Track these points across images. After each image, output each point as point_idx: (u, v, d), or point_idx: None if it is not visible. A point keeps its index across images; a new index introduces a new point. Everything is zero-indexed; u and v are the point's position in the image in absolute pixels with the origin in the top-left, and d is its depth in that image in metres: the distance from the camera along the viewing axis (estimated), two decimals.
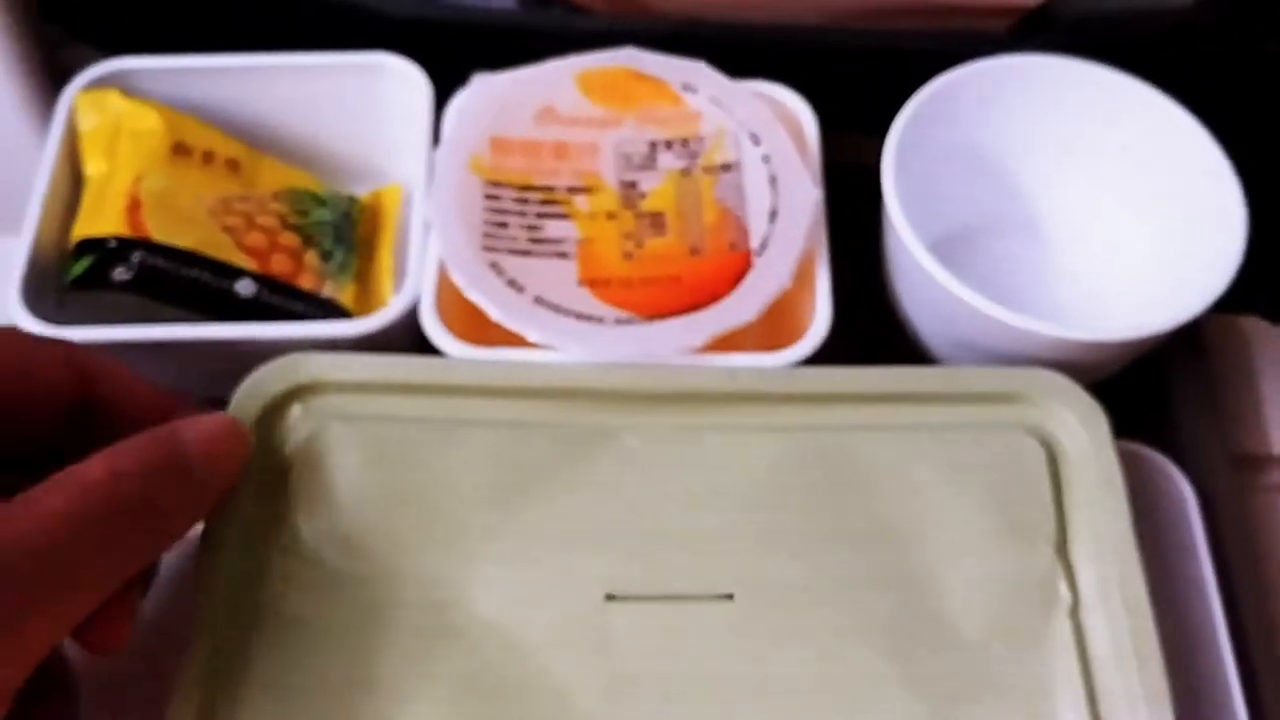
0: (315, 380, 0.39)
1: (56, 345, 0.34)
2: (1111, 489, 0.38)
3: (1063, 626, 0.36)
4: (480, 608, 0.36)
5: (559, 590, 0.36)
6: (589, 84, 0.46)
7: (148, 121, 0.46)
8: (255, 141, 0.49)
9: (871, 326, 0.46)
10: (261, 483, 0.37)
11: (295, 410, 0.39)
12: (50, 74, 0.52)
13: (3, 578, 0.28)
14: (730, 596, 0.36)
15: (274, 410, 0.38)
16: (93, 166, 0.46)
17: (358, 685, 0.35)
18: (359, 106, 0.49)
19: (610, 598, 0.36)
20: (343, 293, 0.46)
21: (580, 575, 0.37)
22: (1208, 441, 0.44)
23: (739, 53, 0.47)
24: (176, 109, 0.47)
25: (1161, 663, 0.35)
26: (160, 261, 0.43)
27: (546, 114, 0.46)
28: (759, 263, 0.42)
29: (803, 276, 0.43)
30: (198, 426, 0.34)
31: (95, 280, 0.43)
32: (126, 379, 0.35)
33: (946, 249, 0.42)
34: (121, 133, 0.46)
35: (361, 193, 0.50)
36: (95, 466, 0.31)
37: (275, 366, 0.39)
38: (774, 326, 0.43)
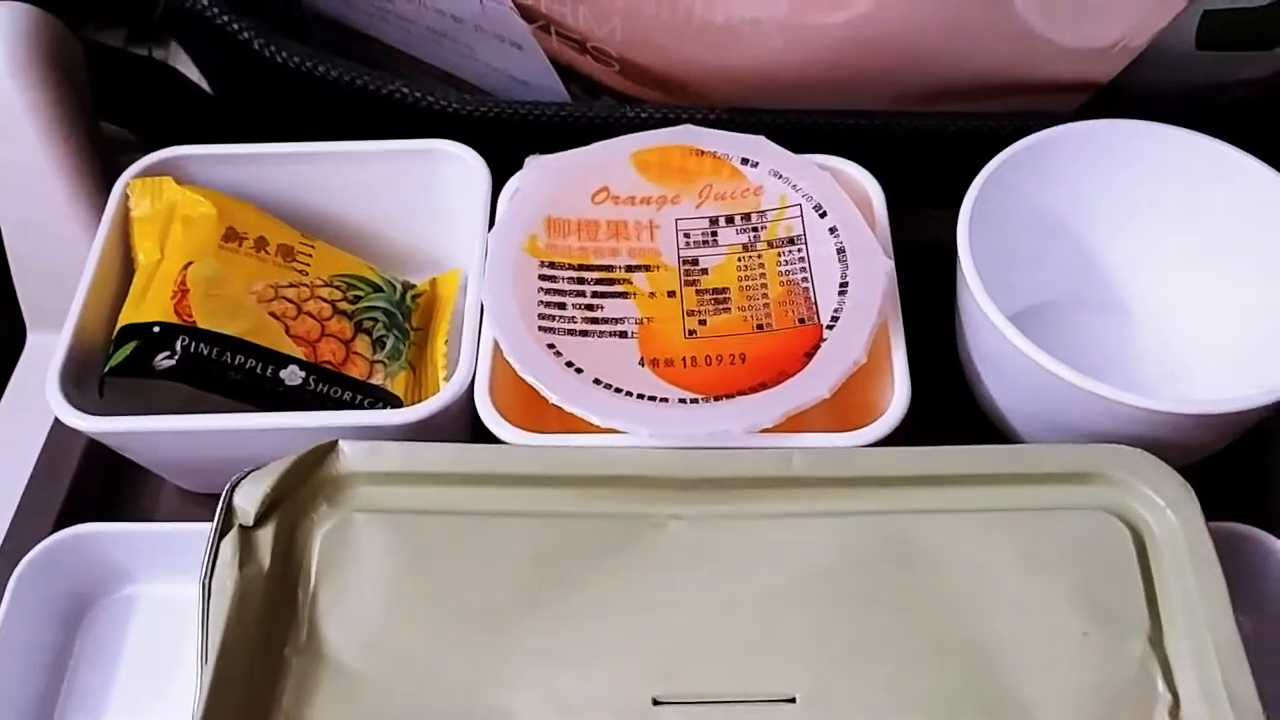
0: (341, 471, 0.35)
1: None
2: (1207, 573, 0.33)
3: None
4: (516, 715, 0.31)
5: (601, 695, 0.32)
6: (644, 162, 0.42)
7: (201, 208, 0.42)
8: (312, 229, 0.45)
9: (947, 408, 0.40)
10: (278, 581, 0.33)
11: (319, 502, 0.34)
12: (109, 175, 0.49)
13: None
14: (792, 700, 0.31)
15: (294, 503, 0.34)
16: (143, 253, 0.42)
17: None
18: (417, 193, 0.45)
19: (657, 702, 0.31)
20: (394, 381, 0.42)
21: (624, 678, 0.32)
22: None
23: (798, 138, 0.43)
24: (232, 196, 0.43)
25: None
26: (205, 348, 0.38)
27: (602, 194, 0.41)
28: (830, 337, 0.37)
29: (877, 351, 0.37)
30: None
31: (137, 367, 0.38)
32: None
33: (1023, 324, 0.36)
34: (174, 219, 0.42)
35: (420, 281, 0.46)
36: None
37: (298, 458, 0.34)
38: (847, 405, 0.37)
